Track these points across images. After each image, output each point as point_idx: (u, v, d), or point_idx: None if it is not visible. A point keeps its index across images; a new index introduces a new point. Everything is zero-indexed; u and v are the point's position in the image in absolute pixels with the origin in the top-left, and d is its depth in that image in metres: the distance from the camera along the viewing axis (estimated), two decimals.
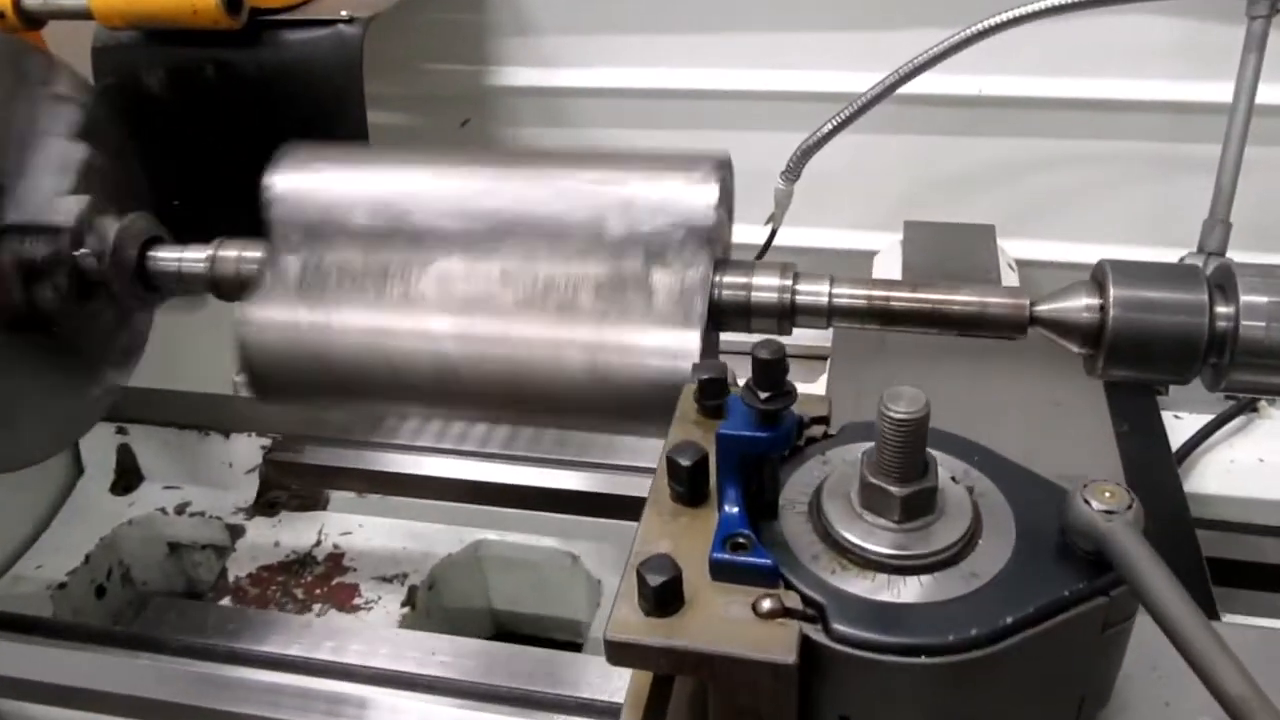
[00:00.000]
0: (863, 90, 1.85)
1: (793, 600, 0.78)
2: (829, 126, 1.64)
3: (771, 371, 0.80)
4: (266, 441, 1.87)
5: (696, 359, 1.17)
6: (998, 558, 0.80)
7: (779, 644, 0.75)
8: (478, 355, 1.21)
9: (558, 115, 2.20)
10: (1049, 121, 1.99)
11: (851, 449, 0.91)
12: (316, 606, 1.73)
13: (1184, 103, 1.87)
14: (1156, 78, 1.89)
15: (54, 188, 1.45)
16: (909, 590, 0.78)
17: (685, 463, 0.86)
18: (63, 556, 1.82)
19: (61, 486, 1.94)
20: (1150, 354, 1.12)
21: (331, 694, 1.37)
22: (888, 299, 1.20)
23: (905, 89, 1.98)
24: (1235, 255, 1.75)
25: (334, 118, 1.67)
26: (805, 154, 1.69)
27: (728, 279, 1.22)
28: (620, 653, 0.78)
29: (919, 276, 1.92)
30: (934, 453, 0.89)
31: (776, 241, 2.18)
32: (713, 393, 0.83)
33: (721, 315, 1.23)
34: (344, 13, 1.66)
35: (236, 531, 1.88)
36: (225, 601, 1.75)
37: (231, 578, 1.80)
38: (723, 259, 1.24)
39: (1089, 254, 2.07)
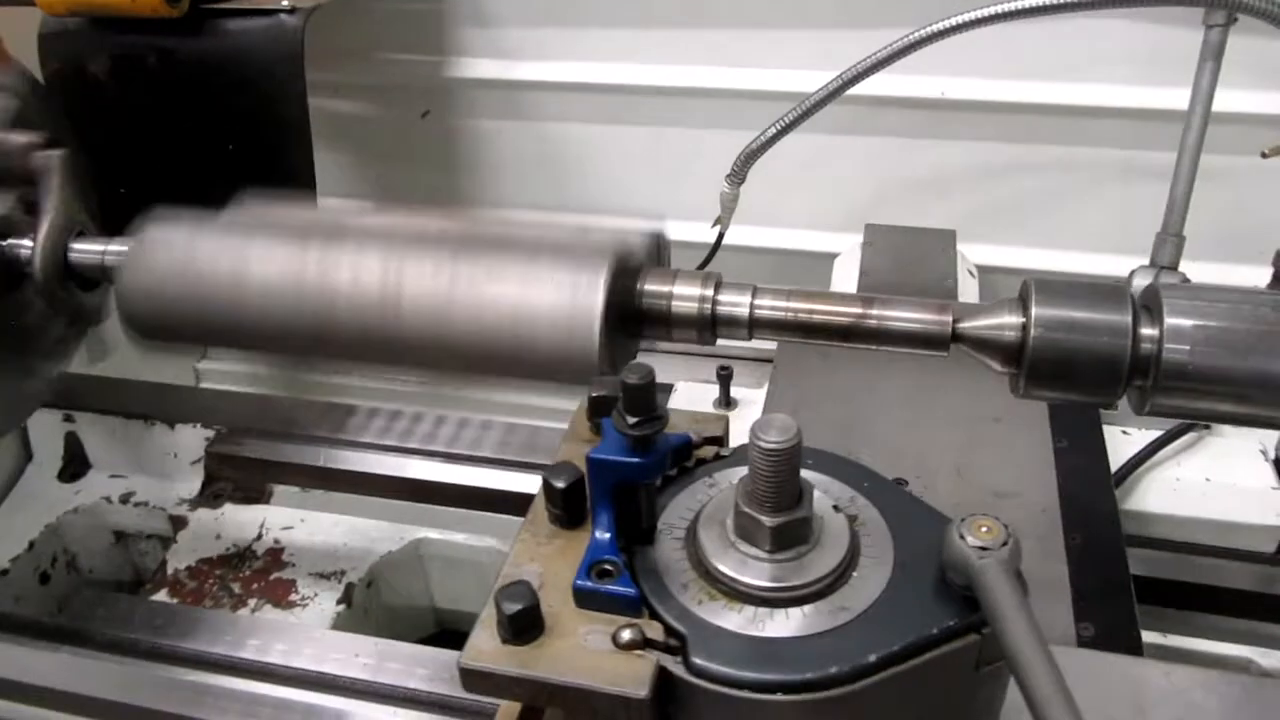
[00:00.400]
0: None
1: (655, 631, 0.76)
2: (774, 129, 1.61)
3: (639, 397, 0.77)
4: (211, 433, 1.85)
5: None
6: (871, 591, 0.78)
7: (632, 677, 0.73)
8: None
9: (516, 108, 2.17)
10: (1012, 126, 1.96)
11: (740, 473, 0.89)
12: (252, 602, 1.71)
13: (1146, 110, 1.83)
14: (1119, 83, 1.85)
15: None
16: (775, 623, 0.76)
17: (560, 485, 0.84)
18: (7, 543, 1.81)
19: (9, 473, 1.93)
20: (1072, 375, 1.08)
21: (250, 694, 1.36)
22: (809, 312, 1.17)
23: (868, 90, 1.94)
24: (1194, 266, 1.73)
25: (274, 107, 1.65)
26: (750, 157, 1.66)
27: (649, 287, 1.19)
28: (475, 681, 0.76)
29: (876, 281, 1.90)
30: (822, 478, 0.88)
31: (737, 242, 2.16)
32: (601, 410, 0.79)
33: (642, 323, 1.19)
34: (285, 2, 1.63)
35: (179, 522, 1.86)
36: (163, 594, 1.74)
37: (171, 569, 1.78)
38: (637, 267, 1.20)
39: (1050, 261, 2.08)
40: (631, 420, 0.77)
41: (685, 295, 1.19)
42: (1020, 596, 0.71)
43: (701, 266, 1.97)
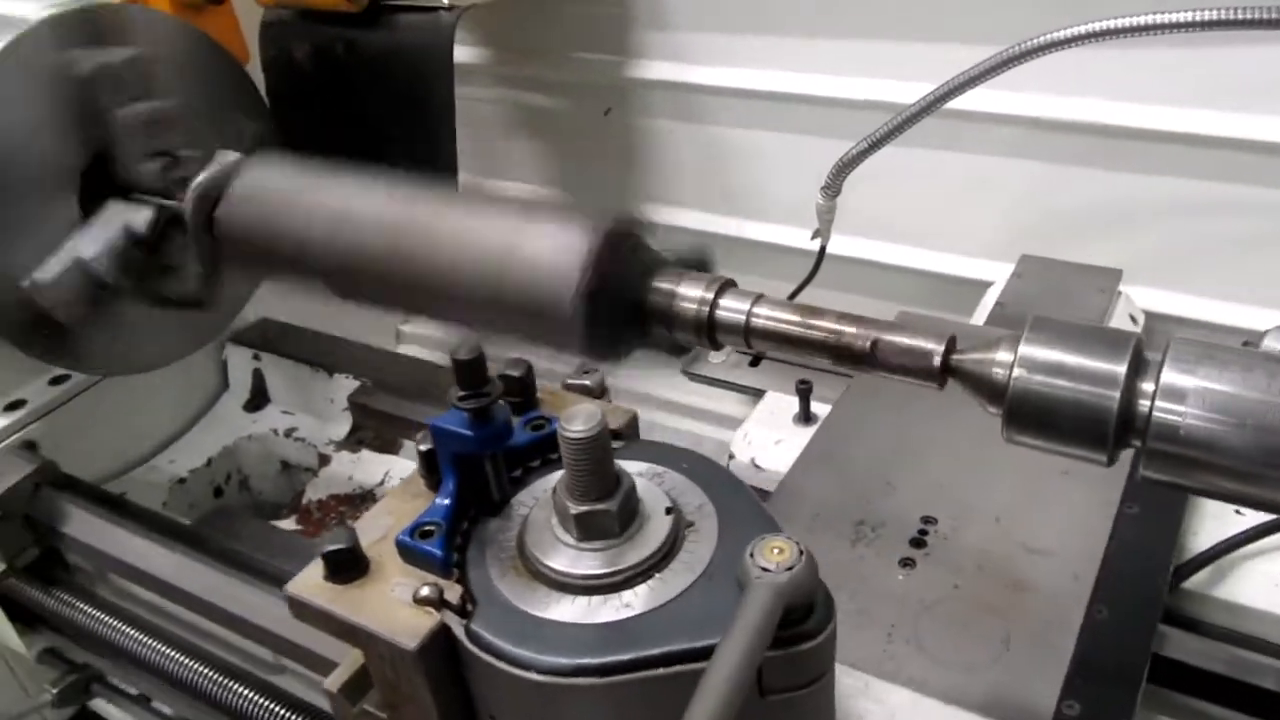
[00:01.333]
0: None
1: (453, 593, 0.80)
2: (865, 143, 1.55)
3: (467, 371, 0.81)
4: (357, 384, 2.05)
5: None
6: (664, 594, 0.78)
7: (408, 630, 0.78)
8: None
9: (689, 110, 2.21)
10: (1199, 161, 1.75)
11: (627, 464, 0.90)
12: None
13: None
14: None
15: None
16: (559, 608, 0.78)
17: (423, 448, 0.90)
18: (192, 456, 2.11)
19: (208, 397, 2.24)
20: (1055, 424, 0.99)
21: None
22: (804, 327, 1.14)
23: (1035, 112, 1.83)
24: None
25: (424, 97, 1.80)
26: (842, 169, 1.61)
27: (656, 283, 1.21)
28: (296, 608, 0.84)
29: (1009, 314, 1.78)
30: (683, 482, 0.87)
31: (882, 259, 2.09)
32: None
33: (647, 320, 1.21)
34: (445, 1, 1.77)
35: (324, 460, 2.09)
36: (291, 520, 1.96)
37: (305, 500, 2.00)
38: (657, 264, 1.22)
39: (1230, 314, 1.84)
40: (460, 393, 0.81)
41: (688, 296, 1.20)
42: (762, 624, 0.68)
43: (807, 280, 1.92)
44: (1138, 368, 0.98)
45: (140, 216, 1.59)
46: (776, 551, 0.73)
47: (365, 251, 1.20)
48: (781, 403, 1.69)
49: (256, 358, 2.20)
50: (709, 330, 1.21)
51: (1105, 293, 1.80)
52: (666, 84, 2.20)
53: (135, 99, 1.63)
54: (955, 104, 1.84)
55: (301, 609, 0.82)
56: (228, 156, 1.38)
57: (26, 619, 1.93)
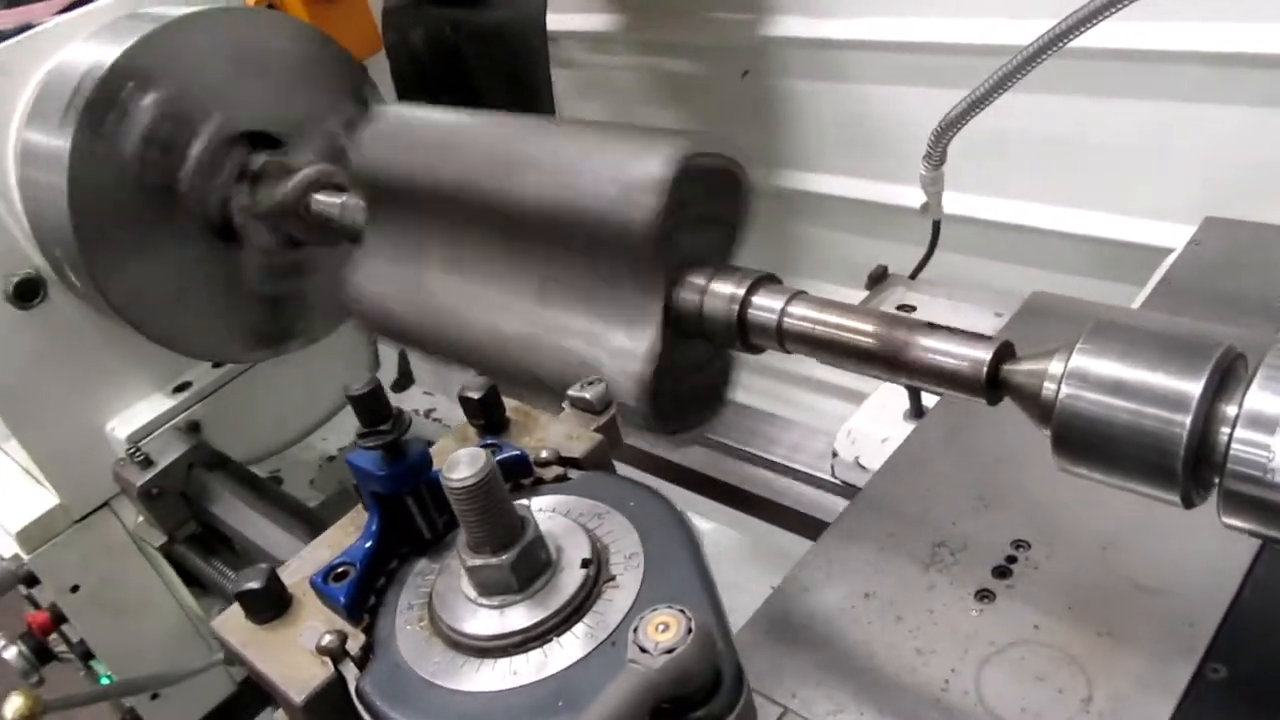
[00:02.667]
0: None
1: (357, 643, 0.75)
2: (964, 103, 1.34)
3: (363, 407, 0.75)
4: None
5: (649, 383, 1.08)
6: (557, 661, 0.68)
7: (300, 681, 0.73)
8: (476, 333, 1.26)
9: (826, 69, 2.03)
10: None
11: (566, 501, 0.81)
12: None
13: None
14: None
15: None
16: (449, 670, 0.71)
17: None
18: (341, 435, 2.19)
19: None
20: (1111, 453, 0.81)
21: None
22: (838, 331, 1.00)
23: (1224, 47, 1.53)
24: None
25: (522, 69, 1.76)
26: (943, 133, 1.39)
27: (689, 279, 1.10)
28: (222, 645, 0.81)
29: (1176, 290, 1.51)
30: (623, 525, 0.77)
31: (1056, 227, 1.84)
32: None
33: (678, 322, 1.11)
34: None
35: None
36: None
37: None
38: (687, 263, 1.11)
39: None
40: (360, 430, 0.75)
41: (718, 294, 1.08)
42: (622, 716, 0.58)
43: (924, 261, 1.71)
44: (1221, 386, 0.78)
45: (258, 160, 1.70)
46: (660, 629, 0.62)
47: (466, 170, 1.25)
48: (893, 396, 1.52)
49: None
50: (741, 332, 1.09)
51: None
52: (802, 41, 2.03)
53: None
54: (1125, 44, 1.59)
55: (225, 646, 0.79)
56: None
57: (200, 584, 2.08)
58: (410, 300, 1.36)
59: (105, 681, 2.04)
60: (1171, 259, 1.61)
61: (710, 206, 1.14)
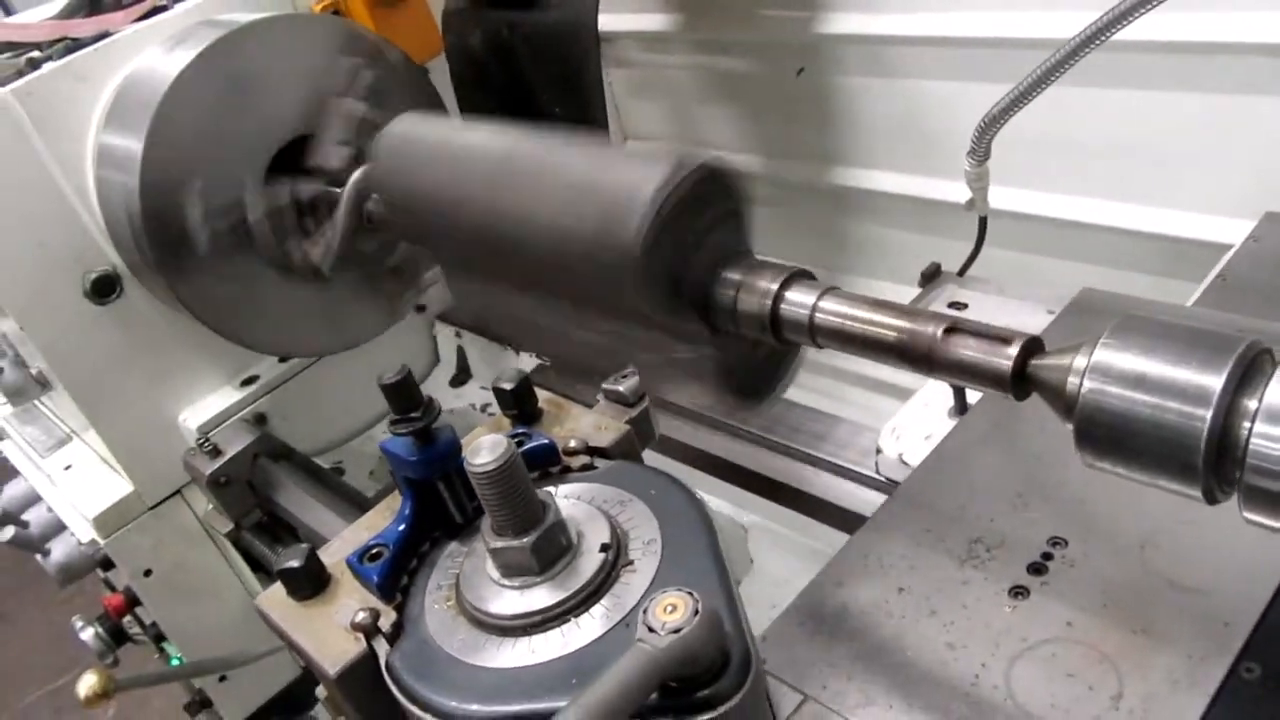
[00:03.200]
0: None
1: (389, 620, 0.78)
2: (1009, 97, 1.33)
3: (395, 395, 0.78)
4: (536, 362, 2.09)
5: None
6: (574, 640, 0.71)
7: (334, 653, 0.77)
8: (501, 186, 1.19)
9: (881, 65, 2.02)
10: None
11: (591, 488, 0.85)
12: None
13: None
14: None
15: (336, 138, 1.78)
16: (473, 647, 0.74)
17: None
18: None
19: (422, 371, 2.38)
20: (1133, 447, 0.82)
21: None
22: (868, 326, 1.01)
23: (1275, 38, 1.50)
24: None
25: (575, 70, 1.79)
26: (987, 128, 1.39)
27: (725, 274, 1.12)
28: (264, 620, 0.85)
29: (1231, 287, 1.48)
30: (644, 512, 0.80)
31: (1116, 224, 1.81)
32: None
33: (714, 314, 1.13)
34: None
35: None
36: None
37: None
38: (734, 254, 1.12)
39: None
40: (393, 418, 0.79)
41: (754, 288, 1.10)
42: (619, 696, 0.60)
43: (971, 258, 1.70)
44: (1244, 380, 0.77)
45: (307, 189, 1.75)
46: (668, 609, 0.64)
47: (467, 186, 1.22)
48: (938, 393, 1.52)
49: (458, 335, 2.29)
50: (774, 326, 1.10)
51: None
52: (857, 38, 2.03)
53: (351, 96, 1.79)
54: (1176, 36, 1.56)
55: (266, 620, 0.84)
56: None
57: (265, 570, 2.16)
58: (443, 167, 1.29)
59: (175, 664, 2.12)
60: (1230, 255, 1.58)
61: (710, 210, 1.11)
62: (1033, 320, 1.65)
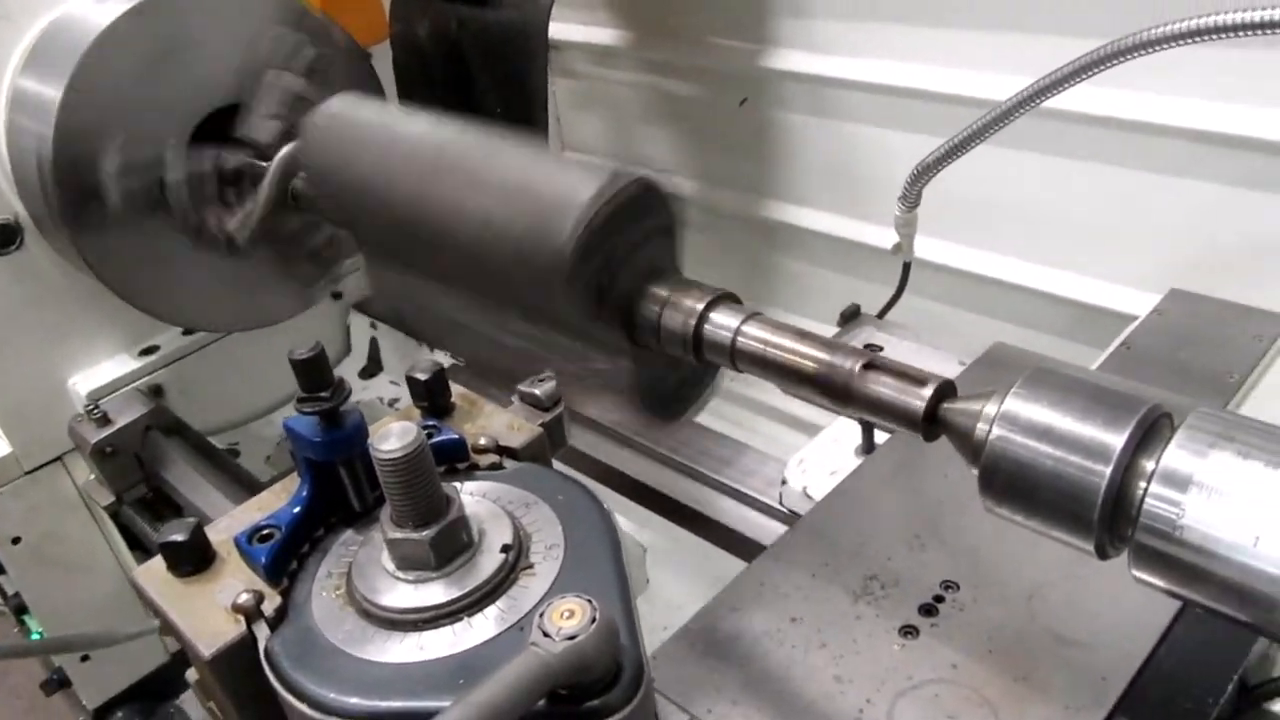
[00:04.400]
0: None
1: (272, 604, 0.75)
2: (944, 148, 1.37)
3: (305, 372, 0.76)
4: (448, 362, 2.06)
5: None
6: (464, 640, 0.70)
7: (211, 633, 0.74)
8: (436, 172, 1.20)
9: (823, 105, 2.06)
10: None
11: (497, 488, 0.83)
12: None
13: None
14: None
15: (268, 111, 1.73)
16: (359, 639, 0.72)
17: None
18: None
19: (330, 360, 2.31)
20: (1034, 497, 0.83)
21: None
22: (788, 354, 1.02)
23: (1209, 126, 1.57)
24: None
25: (521, 73, 1.77)
26: (919, 176, 1.42)
27: (651, 290, 1.12)
28: (139, 594, 0.81)
29: (1133, 356, 1.53)
30: (548, 515, 0.79)
31: (1029, 284, 1.87)
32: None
33: (638, 328, 1.12)
34: None
35: None
36: None
37: None
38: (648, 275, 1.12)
39: None
40: (300, 396, 0.76)
41: (679, 306, 1.10)
42: (505, 701, 0.59)
43: (892, 301, 1.74)
44: (1144, 441, 0.80)
45: (232, 158, 1.70)
46: (565, 615, 0.63)
47: (399, 173, 1.21)
48: (846, 430, 1.54)
49: (373, 326, 2.25)
50: (695, 346, 1.10)
51: (1263, 340, 1.52)
52: (801, 75, 2.07)
53: (289, 70, 1.74)
54: (1105, 110, 1.62)
55: (140, 596, 0.80)
56: None
57: (144, 548, 2.07)
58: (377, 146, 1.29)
59: (36, 638, 2.03)
60: (1134, 326, 1.64)
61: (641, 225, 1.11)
62: (944, 369, 1.65)
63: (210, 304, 1.91)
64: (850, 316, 1.89)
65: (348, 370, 2.31)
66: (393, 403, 2.22)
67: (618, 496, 1.74)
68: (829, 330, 1.89)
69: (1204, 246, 1.66)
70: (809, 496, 1.48)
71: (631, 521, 1.83)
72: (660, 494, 1.73)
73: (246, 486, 1.84)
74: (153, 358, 2.07)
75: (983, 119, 1.33)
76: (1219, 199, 1.61)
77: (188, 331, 2.10)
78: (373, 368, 2.29)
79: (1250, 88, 1.51)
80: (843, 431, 1.55)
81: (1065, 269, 1.81)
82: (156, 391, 2.08)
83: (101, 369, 2.00)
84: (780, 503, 1.55)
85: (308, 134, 1.36)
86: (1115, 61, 1.15)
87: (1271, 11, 0.99)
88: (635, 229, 1.10)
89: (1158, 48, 1.10)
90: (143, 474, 1.95)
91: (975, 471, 0.89)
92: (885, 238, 1.99)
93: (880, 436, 1.48)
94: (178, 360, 2.10)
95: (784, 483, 1.52)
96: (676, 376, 1.20)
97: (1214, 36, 1.05)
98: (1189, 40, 1.07)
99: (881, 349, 1.78)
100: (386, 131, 1.29)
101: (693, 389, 1.24)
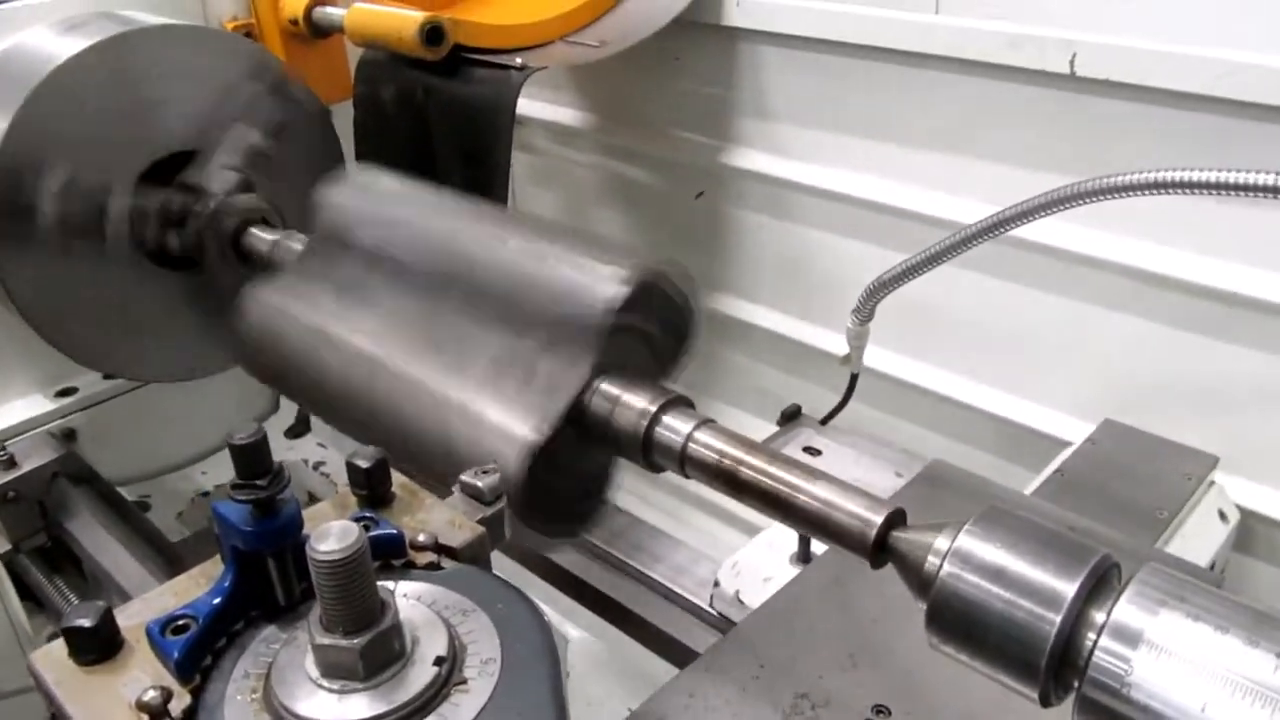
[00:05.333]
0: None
1: (181, 704, 0.70)
2: (900, 268, 1.39)
3: (243, 459, 0.72)
4: None
5: (525, 457, 1.07)
6: None
7: None
8: (372, 382, 1.24)
9: (777, 205, 2.09)
10: None
11: (434, 591, 0.79)
12: None
13: None
14: None
15: (224, 162, 1.69)
16: None
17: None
18: (223, 471, 2.12)
19: (258, 416, 2.25)
20: (981, 639, 0.82)
21: None
22: (738, 465, 1.00)
23: (1154, 268, 1.61)
24: None
25: (485, 147, 1.77)
26: (875, 292, 1.44)
27: (603, 387, 1.10)
28: (36, 681, 0.75)
29: (1065, 483, 1.55)
30: (477, 620, 0.75)
31: (969, 401, 1.88)
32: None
33: (585, 424, 1.10)
34: (518, 60, 1.73)
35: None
36: None
37: None
38: (612, 366, 1.11)
39: None
40: (235, 482, 0.72)
41: (629, 406, 1.08)
42: None
43: (837, 409, 1.74)
44: (1094, 592, 0.79)
45: (176, 200, 1.68)
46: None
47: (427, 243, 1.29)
48: (783, 535, 1.52)
49: None
50: (644, 449, 1.09)
51: (1192, 479, 1.56)
52: (760, 175, 2.09)
53: (255, 125, 1.75)
54: (1060, 243, 1.66)
55: (38, 680, 0.74)
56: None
57: (36, 600, 1.96)
58: (309, 342, 1.34)
59: None
60: (1068, 452, 1.67)
61: (651, 330, 1.18)
62: (881, 479, 1.70)
63: (134, 351, 1.84)
64: (790, 417, 1.89)
65: (273, 428, 2.24)
66: (318, 465, 2.15)
67: (541, 583, 1.70)
68: (768, 429, 1.89)
69: (1139, 380, 1.70)
70: (741, 602, 1.45)
71: (556, 611, 1.78)
72: (587, 584, 1.69)
73: (154, 546, 1.76)
74: (69, 400, 1.98)
75: (944, 242, 1.35)
76: (1158, 337, 1.65)
77: (108, 376, 2.02)
78: (300, 428, 2.22)
79: (1199, 236, 1.56)
80: (778, 536, 1.53)
81: (1006, 390, 1.84)
82: (69, 435, 1.98)
83: (13, 407, 1.92)
84: (711, 605, 1.52)
85: (246, 320, 1.39)
86: (1084, 201, 1.19)
87: (1231, 174, 1.03)
88: (652, 329, 1.17)
89: (1120, 194, 1.13)
90: (44, 523, 1.85)
91: (922, 605, 0.87)
92: (831, 341, 2.01)
93: (818, 547, 1.47)
94: (95, 405, 2.01)
95: (716, 585, 1.50)
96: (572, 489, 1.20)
97: (1175, 191, 1.08)
98: (1152, 191, 1.10)
99: (820, 453, 1.78)
100: (326, 335, 1.32)
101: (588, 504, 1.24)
